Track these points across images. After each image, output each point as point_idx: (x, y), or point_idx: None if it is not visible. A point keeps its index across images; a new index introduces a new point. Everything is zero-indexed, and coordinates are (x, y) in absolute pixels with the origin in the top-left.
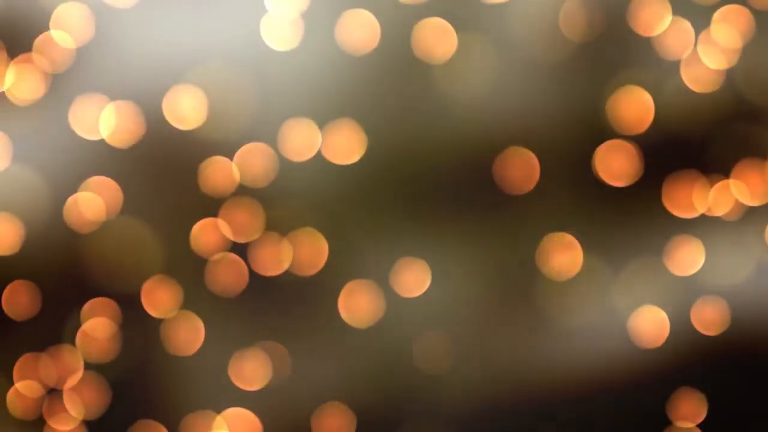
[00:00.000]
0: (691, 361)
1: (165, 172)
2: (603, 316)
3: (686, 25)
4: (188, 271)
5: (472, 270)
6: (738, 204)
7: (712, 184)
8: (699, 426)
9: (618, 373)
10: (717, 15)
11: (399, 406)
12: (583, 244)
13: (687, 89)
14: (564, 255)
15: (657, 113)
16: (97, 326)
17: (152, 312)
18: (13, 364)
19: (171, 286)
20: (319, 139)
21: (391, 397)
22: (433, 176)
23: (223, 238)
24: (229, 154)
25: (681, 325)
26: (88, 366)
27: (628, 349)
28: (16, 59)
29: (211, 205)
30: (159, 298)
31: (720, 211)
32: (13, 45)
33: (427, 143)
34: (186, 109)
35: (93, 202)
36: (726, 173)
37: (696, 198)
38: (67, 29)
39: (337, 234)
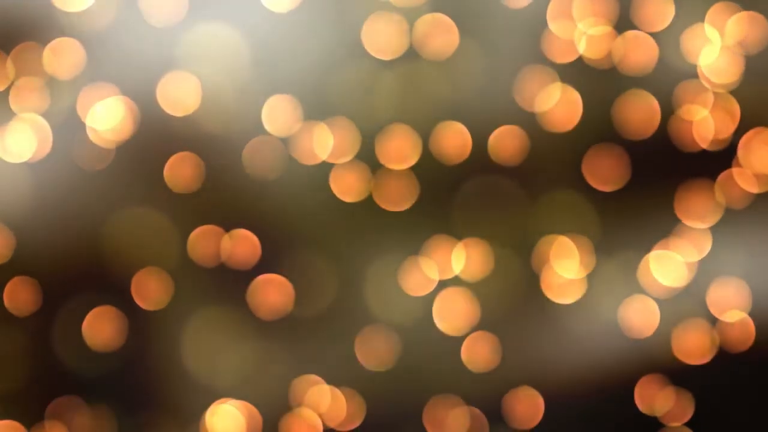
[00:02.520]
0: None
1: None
2: (602, 317)
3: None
4: (190, 263)
5: (475, 270)
6: (744, 193)
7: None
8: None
9: (616, 373)
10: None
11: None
12: (586, 245)
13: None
14: (566, 256)
15: (663, 114)
16: (98, 320)
17: (145, 305)
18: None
19: (164, 279)
20: (323, 140)
21: (398, 387)
22: (438, 177)
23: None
24: (234, 149)
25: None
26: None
27: (626, 349)
28: (14, 54)
29: (211, 200)
30: (152, 291)
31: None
32: (10, 43)
33: (429, 144)
34: (183, 100)
35: (93, 199)
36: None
37: (704, 203)
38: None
39: (341, 232)
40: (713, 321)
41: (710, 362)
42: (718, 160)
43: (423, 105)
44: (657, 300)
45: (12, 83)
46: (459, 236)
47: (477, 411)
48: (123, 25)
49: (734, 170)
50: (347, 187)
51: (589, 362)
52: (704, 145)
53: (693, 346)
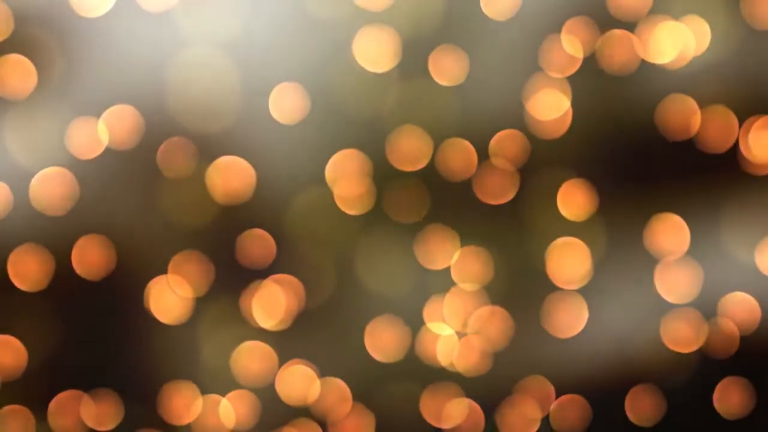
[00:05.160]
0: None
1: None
2: (600, 317)
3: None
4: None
5: (478, 270)
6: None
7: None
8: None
9: (612, 375)
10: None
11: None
12: (586, 246)
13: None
14: (569, 258)
15: (662, 114)
16: (101, 316)
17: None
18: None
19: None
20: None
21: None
22: (440, 184)
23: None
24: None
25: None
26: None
27: (624, 351)
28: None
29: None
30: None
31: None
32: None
33: (433, 154)
34: (184, 96)
35: (93, 197)
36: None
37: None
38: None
39: (344, 232)
40: (711, 322)
41: (707, 364)
42: (720, 158)
43: (424, 114)
44: (655, 300)
45: (7, 78)
46: (460, 236)
47: (475, 403)
48: (121, 20)
49: (736, 168)
50: (352, 194)
51: (587, 362)
52: (706, 144)
53: (689, 348)
